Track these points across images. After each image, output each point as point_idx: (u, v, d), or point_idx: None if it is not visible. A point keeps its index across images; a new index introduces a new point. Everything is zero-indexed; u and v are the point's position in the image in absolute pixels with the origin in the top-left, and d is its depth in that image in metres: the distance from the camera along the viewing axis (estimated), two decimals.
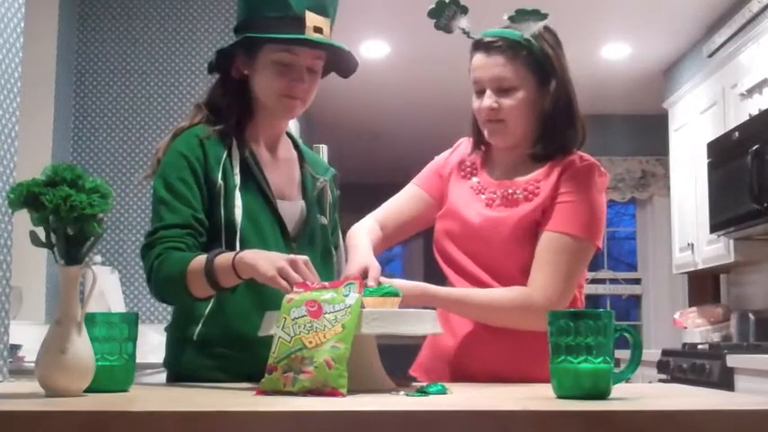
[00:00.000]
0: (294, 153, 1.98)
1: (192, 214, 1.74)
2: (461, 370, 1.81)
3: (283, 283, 1.51)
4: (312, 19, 1.77)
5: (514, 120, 1.85)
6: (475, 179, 1.93)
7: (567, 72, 1.87)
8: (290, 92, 1.82)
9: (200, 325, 1.77)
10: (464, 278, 1.86)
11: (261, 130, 1.90)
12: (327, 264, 1.92)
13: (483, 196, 1.90)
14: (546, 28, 1.86)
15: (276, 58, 1.80)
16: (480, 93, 1.87)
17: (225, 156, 1.80)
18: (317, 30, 1.78)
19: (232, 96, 1.87)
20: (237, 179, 1.79)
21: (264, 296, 1.65)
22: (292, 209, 1.88)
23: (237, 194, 1.78)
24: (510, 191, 1.86)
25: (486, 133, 1.89)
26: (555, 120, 1.85)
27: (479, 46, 1.87)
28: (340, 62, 1.90)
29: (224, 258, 1.60)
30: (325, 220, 1.95)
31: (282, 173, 1.91)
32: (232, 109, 1.86)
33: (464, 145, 2.01)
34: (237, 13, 1.90)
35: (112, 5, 4.32)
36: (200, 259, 1.63)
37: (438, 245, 1.93)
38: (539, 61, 1.84)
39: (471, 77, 1.89)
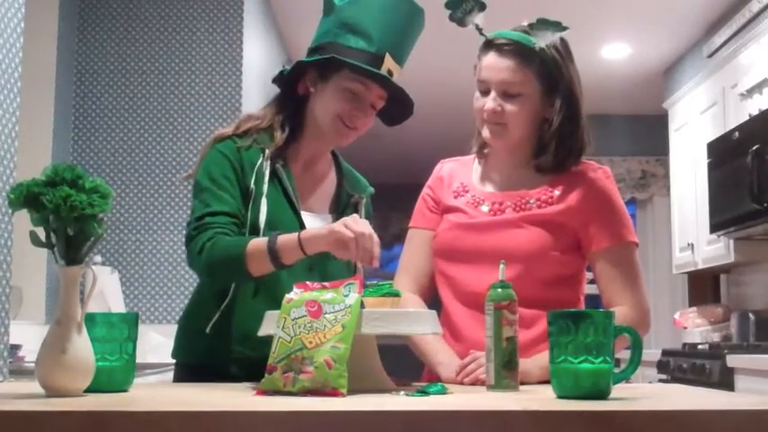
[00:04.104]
0: (333, 170, 2.05)
1: (237, 205, 1.84)
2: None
3: (344, 230, 1.62)
4: (389, 62, 1.87)
5: (515, 124, 1.84)
6: (468, 195, 1.92)
7: (575, 83, 1.87)
8: (348, 119, 1.90)
9: (214, 320, 1.85)
10: (461, 298, 1.85)
11: (304, 148, 1.97)
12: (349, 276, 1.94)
13: (485, 207, 1.89)
14: (560, 38, 1.85)
15: (348, 85, 1.88)
16: (484, 92, 1.86)
17: (259, 163, 1.88)
18: (390, 73, 1.87)
19: (288, 113, 1.95)
20: (266, 187, 1.87)
21: (279, 300, 1.66)
22: (319, 220, 1.93)
23: (264, 201, 1.86)
24: (521, 199, 1.86)
25: (485, 133, 1.88)
26: (559, 130, 1.85)
27: (491, 46, 1.86)
28: (393, 110, 1.97)
29: (287, 237, 1.72)
30: None
31: (314, 187, 1.98)
32: (284, 127, 1.93)
33: (446, 167, 2.02)
34: (317, 34, 1.95)
35: (112, 5, 4.32)
36: (259, 240, 1.74)
37: (436, 265, 1.92)
38: (548, 70, 1.83)
39: (478, 76, 1.88)
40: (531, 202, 1.86)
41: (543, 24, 1.83)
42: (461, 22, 1.89)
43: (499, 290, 1.54)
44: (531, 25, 1.84)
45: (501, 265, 1.56)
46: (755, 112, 4.24)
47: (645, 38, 5.43)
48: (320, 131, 1.93)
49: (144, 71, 4.29)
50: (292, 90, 1.95)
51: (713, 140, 4.70)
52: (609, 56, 5.69)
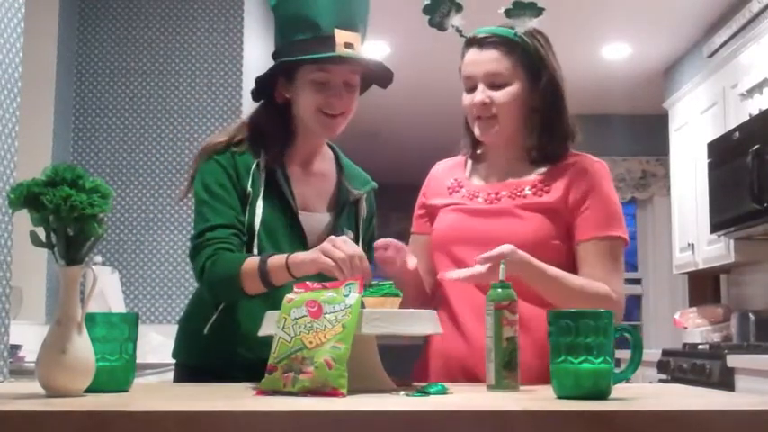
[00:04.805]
0: (333, 166, 2.03)
1: (234, 215, 1.84)
2: (475, 375, 1.77)
3: (325, 259, 1.62)
4: (342, 36, 1.84)
5: (506, 115, 1.86)
6: (463, 190, 1.93)
7: (557, 72, 1.89)
8: (326, 107, 1.88)
9: (211, 321, 1.85)
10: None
11: (299, 149, 1.96)
12: None
13: (480, 198, 1.90)
14: (537, 30, 1.87)
15: (312, 77, 1.87)
16: (471, 89, 1.88)
17: (254, 166, 1.88)
18: (348, 45, 1.85)
19: (275, 124, 1.94)
20: (262, 189, 1.86)
21: (276, 300, 1.65)
22: (316, 221, 1.92)
23: (259, 203, 1.85)
24: (517, 188, 1.87)
25: (476, 131, 1.90)
26: (547, 118, 1.87)
27: (472, 42, 1.88)
28: (375, 74, 1.96)
29: (277, 259, 1.72)
30: (351, 235, 1.96)
31: (312, 186, 1.96)
32: (276, 137, 1.92)
33: (440, 167, 2.03)
34: (274, 41, 1.95)
35: (112, 5, 4.32)
36: (253, 261, 1.74)
37: (435, 257, 1.92)
38: (531, 59, 1.86)
39: (463, 74, 1.90)
40: (527, 190, 1.86)
41: (519, 8, 1.85)
42: (441, 26, 1.92)
43: (499, 290, 1.54)
44: (507, 11, 1.86)
45: (501, 266, 1.56)
46: (756, 112, 4.24)
47: (645, 38, 5.43)
48: (309, 129, 1.93)
49: (144, 71, 4.29)
50: (274, 99, 1.95)
51: (713, 140, 4.70)
52: (609, 56, 5.69)
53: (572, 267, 1.85)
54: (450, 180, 1.97)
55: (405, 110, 6.46)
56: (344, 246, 1.64)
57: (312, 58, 1.83)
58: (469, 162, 1.99)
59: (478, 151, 1.98)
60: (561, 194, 1.84)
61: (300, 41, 1.84)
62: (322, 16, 1.83)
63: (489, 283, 1.59)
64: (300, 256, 1.71)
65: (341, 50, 1.83)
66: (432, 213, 1.96)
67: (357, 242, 1.96)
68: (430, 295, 1.94)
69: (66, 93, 4.16)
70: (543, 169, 1.89)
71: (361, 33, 1.88)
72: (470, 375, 1.79)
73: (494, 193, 1.89)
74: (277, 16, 1.92)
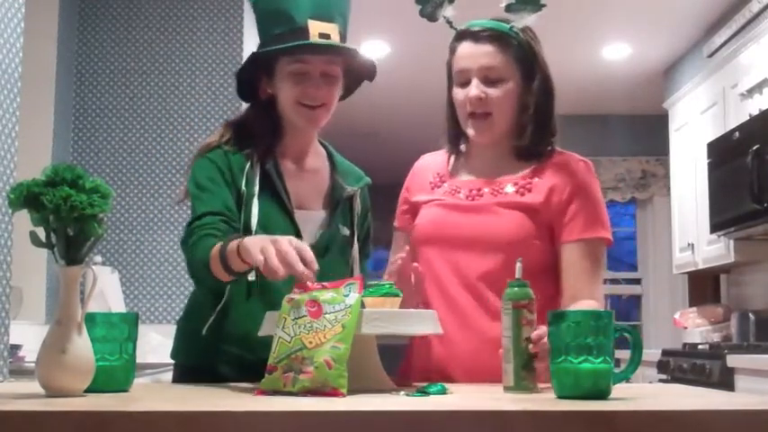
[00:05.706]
0: (326, 164, 2.02)
1: (222, 202, 1.81)
2: (452, 379, 1.75)
3: (259, 257, 1.48)
4: (316, 26, 1.82)
5: (500, 112, 1.83)
6: (446, 185, 1.91)
7: (547, 66, 1.87)
8: (305, 99, 1.86)
9: (209, 321, 1.84)
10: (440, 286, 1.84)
11: (288, 145, 1.95)
12: (345, 274, 1.92)
13: (461, 194, 1.88)
14: (527, 26, 1.85)
15: (289, 69, 1.86)
16: (464, 83, 1.85)
17: (248, 166, 1.86)
18: (323, 36, 1.82)
19: (262, 120, 1.93)
20: (257, 188, 1.85)
21: (275, 301, 1.64)
22: (311, 218, 1.91)
23: (255, 202, 1.84)
24: (500, 186, 1.85)
25: (469, 129, 1.87)
26: (539, 117, 1.85)
27: (466, 35, 1.85)
28: (358, 66, 1.94)
29: (234, 243, 1.60)
30: (347, 231, 1.95)
31: (307, 183, 1.95)
32: (263, 134, 1.91)
33: (423, 161, 2.01)
34: (258, 37, 1.95)
35: (112, 5, 4.32)
36: (219, 245, 1.65)
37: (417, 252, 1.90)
38: (525, 55, 1.84)
39: (455, 67, 1.87)
40: (509, 188, 1.84)
41: (522, 2, 1.83)
42: (432, 17, 1.88)
43: (516, 288, 1.52)
44: (509, 5, 1.84)
45: (518, 264, 1.54)
46: (755, 112, 4.24)
47: (645, 38, 5.43)
48: (292, 123, 1.92)
49: (144, 71, 4.29)
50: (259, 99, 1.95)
51: (713, 140, 4.71)
52: (609, 56, 5.69)
53: (552, 267, 1.83)
54: (432, 175, 1.95)
55: (404, 109, 6.45)
56: (283, 243, 1.50)
57: (283, 48, 1.82)
58: (452, 157, 1.97)
59: (462, 148, 1.96)
60: (544, 194, 1.82)
61: (277, 35, 1.84)
62: (297, 8, 1.83)
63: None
64: (252, 239, 1.57)
65: (314, 40, 1.81)
66: (414, 210, 1.95)
67: (353, 239, 1.97)
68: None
69: (66, 93, 4.16)
70: (528, 167, 1.86)
71: (338, 24, 1.86)
72: (448, 380, 1.76)
73: (476, 190, 1.87)
74: (256, 12, 1.92)
